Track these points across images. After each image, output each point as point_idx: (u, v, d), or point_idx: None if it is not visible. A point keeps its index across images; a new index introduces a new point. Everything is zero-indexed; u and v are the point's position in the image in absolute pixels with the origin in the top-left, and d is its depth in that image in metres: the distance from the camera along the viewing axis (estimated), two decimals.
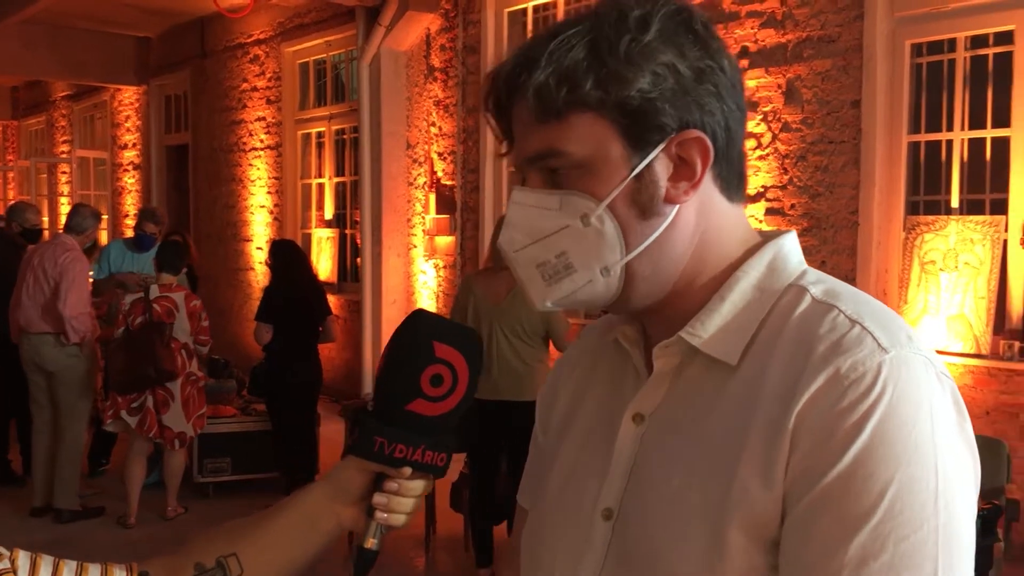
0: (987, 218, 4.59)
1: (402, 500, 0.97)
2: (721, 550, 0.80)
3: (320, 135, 9.40)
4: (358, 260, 8.56)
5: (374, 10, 7.79)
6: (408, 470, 0.96)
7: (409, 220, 8.12)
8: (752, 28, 5.47)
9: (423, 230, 7.92)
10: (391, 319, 8.12)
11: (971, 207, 4.79)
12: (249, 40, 9.93)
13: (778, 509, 0.80)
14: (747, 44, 5.49)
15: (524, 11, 7.12)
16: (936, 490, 0.76)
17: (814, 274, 0.90)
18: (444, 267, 7.75)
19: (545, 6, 6.96)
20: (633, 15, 0.85)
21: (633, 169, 0.86)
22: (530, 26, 7.07)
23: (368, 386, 8.03)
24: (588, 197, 0.87)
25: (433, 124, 7.80)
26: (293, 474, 5.55)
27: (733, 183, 0.92)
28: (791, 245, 0.92)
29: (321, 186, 9.43)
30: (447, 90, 7.65)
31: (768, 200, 5.35)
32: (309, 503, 1.00)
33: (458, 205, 7.56)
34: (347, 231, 9.13)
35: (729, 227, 0.92)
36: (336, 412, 7.95)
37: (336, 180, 9.25)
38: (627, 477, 0.91)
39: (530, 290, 0.92)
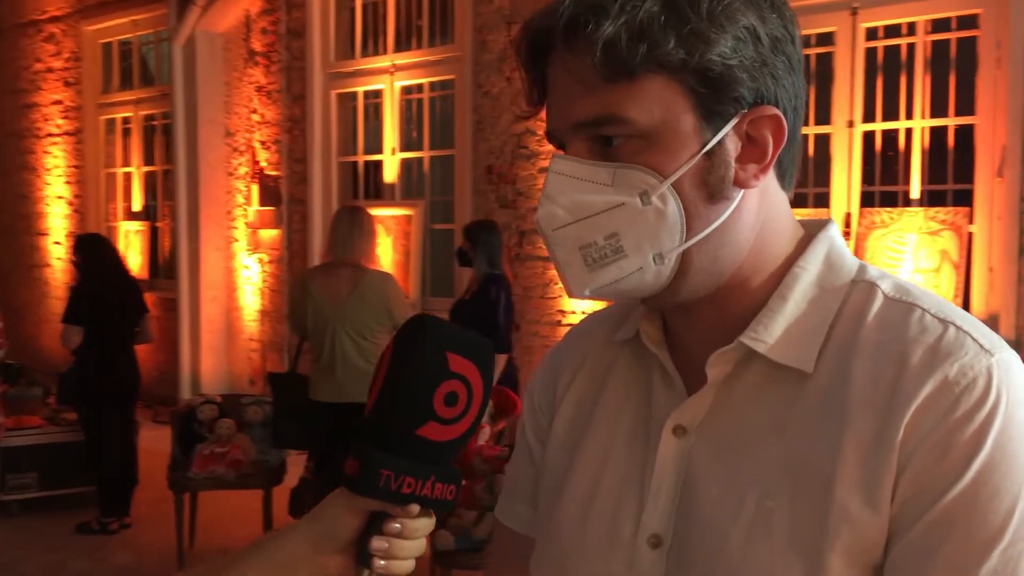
0: (950, 209, 4.44)
1: (405, 544, 0.80)
2: None
3: (127, 121, 8.76)
4: (170, 254, 8.04)
5: None
6: (416, 507, 0.79)
7: (230, 212, 7.69)
8: None
9: (245, 223, 7.52)
10: (211, 317, 7.69)
11: (932, 198, 4.63)
12: (43, 17, 9.14)
13: (884, 532, 0.71)
14: None
15: None
16: None
17: (874, 268, 0.82)
18: (269, 262, 7.40)
19: None
20: None
21: (705, 144, 0.76)
22: (359, 12, 6.84)
23: (187, 390, 7.56)
24: (650, 172, 0.76)
25: (255, 111, 7.41)
26: (109, 487, 5.12)
27: (790, 170, 0.83)
28: (839, 237, 0.85)
29: (128, 175, 8.79)
30: (270, 76, 7.29)
31: None
32: (287, 552, 0.80)
33: (284, 197, 7.22)
34: (158, 224, 8.56)
35: (784, 218, 0.83)
36: (150, 418, 7.47)
37: (145, 169, 8.64)
38: (675, 499, 0.81)
39: (567, 275, 0.79)
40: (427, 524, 0.81)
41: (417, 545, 0.81)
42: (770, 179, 0.81)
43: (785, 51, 0.78)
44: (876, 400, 0.73)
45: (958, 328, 0.74)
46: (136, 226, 8.54)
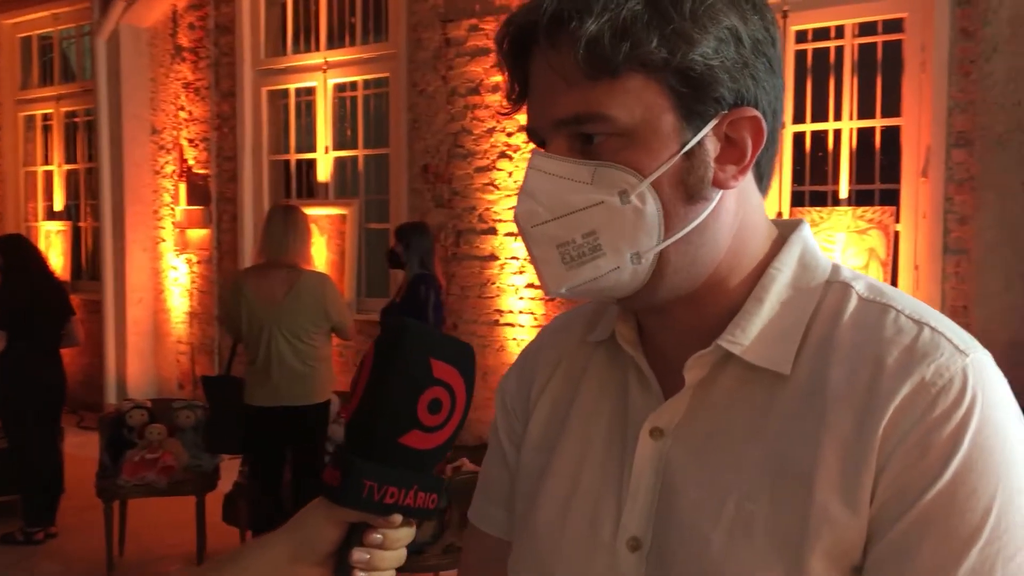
0: (877, 208, 4.52)
1: (385, 555, 0.78)
2: None
3: (47, 118, 8.48)
4: (93, 255, 7.82)
5: None
6: (399, 518, 0.78)
7: (156, 211, 7.51)
8: None
9: (173, 222, 7.35)
10: (137, 319, 7.50)
11: (860, 197, 4.74)
12: None
13: (863, 533, 0.72)
14: None
15: None
16: None
17: (847, 269, 0.83)
18: (198, 262, 7.24)
19: None
20: None
21: (684, 145, 0.76)
22: (289, 8, 6.73)
23: (112, 395, 7.36)
24: (630, 171, 0.76)
25: (182, 108, 7.25)
26: (34, 496, 4.95)
27: (767, 173, 0.83)
28: (812, 238, 0.85)
29: (49, 174, 8.51)
30: (198, 72, 7.13)
31: None
32: (264, 563, 0.78)
33: (213, 196, 7.08)
34: (81, 223, 8.31)
35: (760, 219, 0.83)
36: (75, 424, 7.25)
37: (67, 168, 8.39)
38: (654, 501, 0.80)
39: (544, 272, 0.79)
40: (408, 534, 0.80)
41: (398, 555, 0.80)
42: (748, 180, 0.81)
43: (766, 53, 0.78)
44: (854, 401, 0.73)
45: (933, 329, 0.75)
46: (58, 226, 8.28)
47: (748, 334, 0.79)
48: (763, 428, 0.77)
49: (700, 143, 0.76)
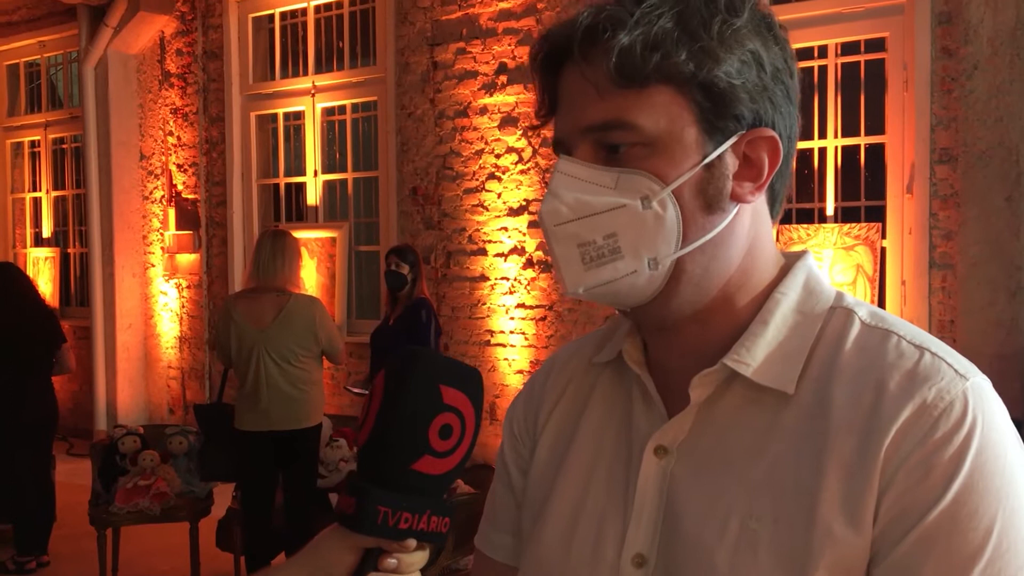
0: (863, 225, 4.57)
1: None
2: None
3: (35, 144, 8.48)
4: (82, 281, 7.80)
5: (99, 9, 7.15)
6: (413, 542, 0.79)
7: (145, 237, 7.51)
8: (510, 44, 5.55)
9: (162, 247, 7.35)
10: (127, 345, 7.48)
11: (846, 214, 4.76)
12: None
13: (866, 552, 0.73)
14: (505, 60, 5.57)
15: (271, 17, 6.81)
16: None
17: (850, 296, 0.86)
18: (188, 287, 7.24)
19: (293, 13, 6.69)
20: None
21: (705, 156, 0.80)
22: (277, 33, 6.77)
23: (103, 421, 7.33)
24: (653, 178, 0.79)
25: (171, 134, 7.27)
26: (26, 525, 4.92)
27: (780, 197, 0.87)
28: (816, 267, 0.88)
29: (37, 200, 8.51)
30: (186, 98, 7.16)
31: (531, 213, 5.45)
32: None
33: (202, 220, 7.08)
34: (70, 250, 8.30)
35: (770, 243, 0.87)
36: (64, 451, 7.21)
37: (55, 194, 8.38)
38: (659, 519, 0.82)
39: (564, 271, 0.82)
40: (423, 557, 0.81)
41: None
42: (761, 202, 0.85)
43: (784, 81, 0.82)
44: (857, 423, 0.75)
45: (933, 354, 0.78)
46: (46, 252, 8.26)
47: (754, 354, 0.81)
48: (766, 447, 0.79)
49: (720, 157, 0.80)
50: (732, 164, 0.81)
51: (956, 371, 0.76)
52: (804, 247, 4.66)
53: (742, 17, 0.79)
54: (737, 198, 0.81)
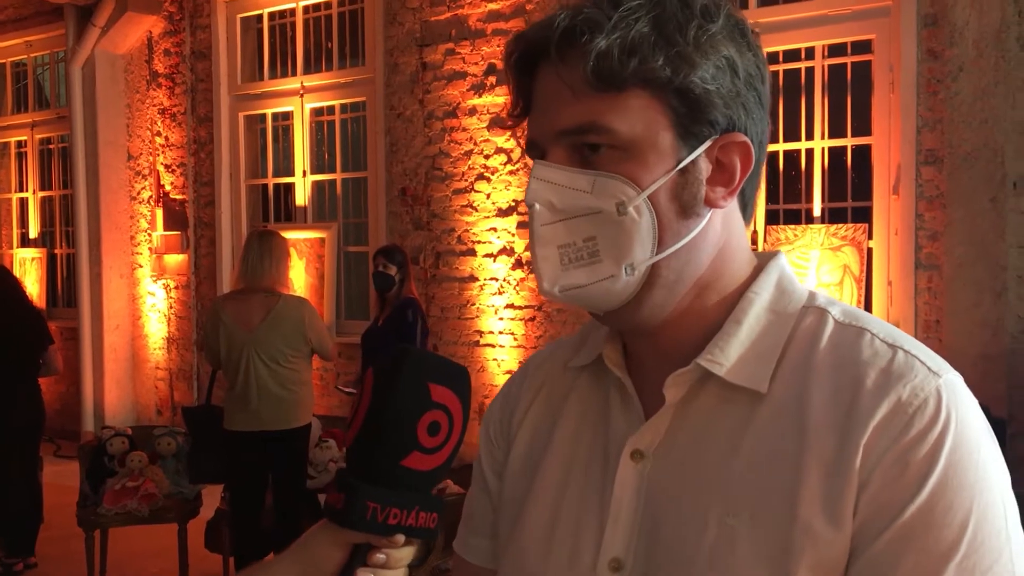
0: (850, 226, 4.61)
1: (389, 574, 0.81)
2: None
3: (21, 144, 8.45)
4: (69, 282, 7.77)
5: (86, 9, 7.13)
6: (401, 538, 0.80)
7: (133, 237, 7.49)
8: (499, 46, 5.56)
9: (150, 248, 7.34)
10: (114, 346, 7.45)
11: (833, 215, 4.78)
12: None
13: (846, 549, 0.74)
14: (494, 61, 5.58)
15: (259, 17, 6.80)
16: (1006, 515, 0.74)
17: (823, 296, 0.87)
18: (176, 287, 7.22)
19: (282, 13, 6.68)
20: (698, 3, 0.80)
21: (680, 161, 0.80)
22: (265, 33, 6.76)
23: (90, 423, 7.30)
24: (628, 183, 0.80)
25: (159, 134, 7.25)
26: (13, 527, 4.90)
27: (751, 201, 0.88)
28: (789, 266, 0.89)
29: (23, 201, 8.47)
30: (174, 98, 7.14)
31: (520, 214, 5.46)
32: None
33: (191, 221, 7.07)
34: (57, 250, 8.27)
35: (742, 245, 0.87)
36: (51, 453, 7.18)
37: (42, 194, 8.35)
38: (636, 522, 0.83)
39: (542, 270, 0.82)
40: (410, 553, 0.83)
41: (401, 574, 0.83)
42: (733, 206, 0.85)
43: (756, 88, 0.83)
44: (835, 421, 0.76)
45: (906, 352, 0.78)
46: (33, 253, 8.23)
47: (727, 354, 0.82)
48: (741, 446, 0.79)
49: (694, 162, 0.81)
50: (706, 169, 0.82)
51: (929, 368, 0.77)
52: (791, 248, 4.70)
53: (717, 23, 0.80)
54: (710, 203, 0.82)
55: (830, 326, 0.82)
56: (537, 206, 0.82)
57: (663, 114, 0.79)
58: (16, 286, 5.24)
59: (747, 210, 0.88)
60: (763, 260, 0.89)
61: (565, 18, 0.79)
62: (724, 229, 0.85)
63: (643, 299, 0.82)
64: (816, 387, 0.78)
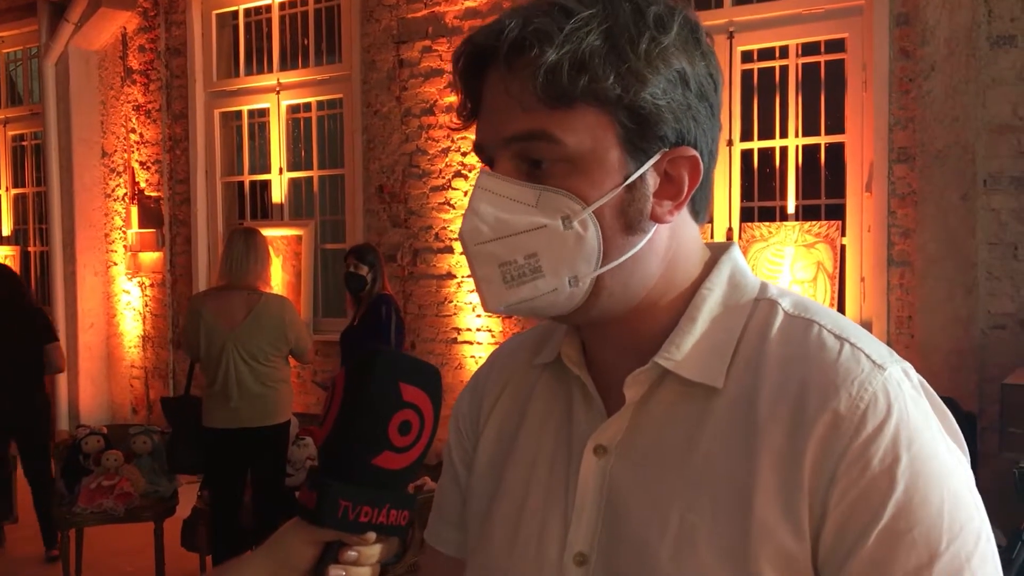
0: (824, 223, 4.64)
1: (360, 571, 0.82)
2: None
3: None
4: (43, 280, 7.70)
5: (59, 5, 7.06)
6: (373, 535, 0.81)
7: (108, 235, 7.43)
8: None
9: (124, 246, 7.28)
10: (89, 344, 7.39)
11: (807, 212, 4.85)
12: None
13: (808, 556, 0.75)
14: None
15: (234, 13, 6.76)
16: (970, 489, 0.76)
17: (773, 287, 0.87)
18: (151, 285, 7.17)
19: (258, 9, 6.65)
20: (651, 11, 0.79)
21: (627, 178, 0.80)
22: (241, 29, 6.73)
23: (65, 421, 7.24)
24: (574, 198, 0.79)
25: (133, 131, 7.20)
26: None
27: (703, 207, 0.88)
28: (742, 258, 0.90)
29: None
30: (149, 94, 7.09)
31: None
32: None
33: (166, 218, 7.02)
34: (30, 248, 8.19)
35: (694, 247, 0.88)
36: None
37: (15, 192, 8.26)
38: (599, 517, 0.84)
39: (485, 290, 0.82)
40: (380, 551, 0.83)
41: (372, 572, 0.84)
42: (683, 215, 0.85)
43: (708, 98, 0.83)
44: (783, 415, 0.77)
45: (852, 345, 0.79)
46: (6, 251, 8.14)
47: (683, 351, 0.83)
48: (699, 442, 0.80)
49: (641, 177, 0.80)
50: (653, 183, 0.81)
51: (874, 362, 0.78)
52: (766, 244, 4.75)
53: (670, 34, 0.79)
54: (656, 218, 0.82)
55: (780, 318, 0.83)
56: (475, 222, 0.81)
57: (612, 130, 0.79)
58: (18, 284, 5.22)
59: (700, 215, 0.88)
60: (716, 253, 0.89)
61: (515, 27, 0.78)
62: (673, 240, 0.85)
63: (590, 307, 0.83)
64: (766, 381, 0.79)
